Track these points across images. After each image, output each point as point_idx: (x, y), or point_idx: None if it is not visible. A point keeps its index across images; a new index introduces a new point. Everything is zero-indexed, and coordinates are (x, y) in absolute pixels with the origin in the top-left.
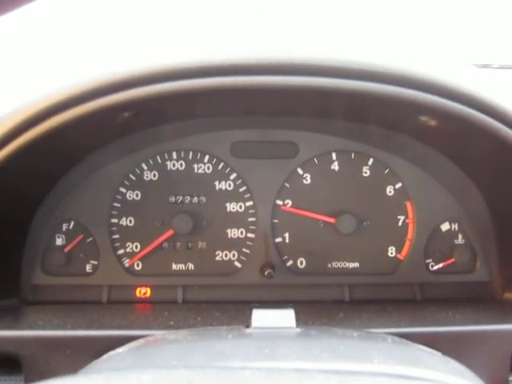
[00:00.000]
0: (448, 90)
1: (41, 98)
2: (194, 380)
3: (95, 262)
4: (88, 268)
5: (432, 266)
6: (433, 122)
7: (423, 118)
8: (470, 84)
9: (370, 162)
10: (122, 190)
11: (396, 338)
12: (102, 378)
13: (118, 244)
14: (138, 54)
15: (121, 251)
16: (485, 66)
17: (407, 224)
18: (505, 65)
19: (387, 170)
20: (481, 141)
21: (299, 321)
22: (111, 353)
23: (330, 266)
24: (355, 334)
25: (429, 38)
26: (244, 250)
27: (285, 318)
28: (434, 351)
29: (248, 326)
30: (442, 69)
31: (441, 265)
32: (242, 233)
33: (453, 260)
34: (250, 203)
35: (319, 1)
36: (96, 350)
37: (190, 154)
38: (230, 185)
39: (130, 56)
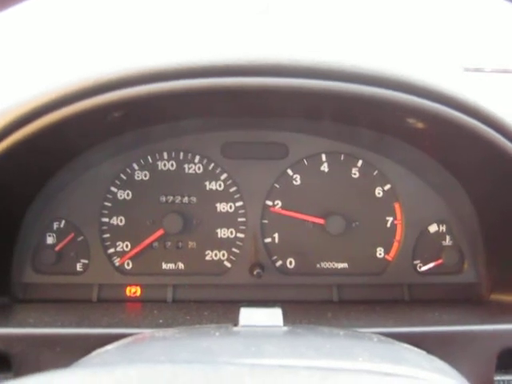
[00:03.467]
0: (431, 92)
1: (31, 97)
2: (178, 374)
3: (86, 261)
4: (78, 267)
5: (420, 267)
6: (420, 125)
7: (410, 121)
8: (454, 86)
9: (359, 163)
10: (113, 189)
11: (381, 337)
12: (89, 372)
13: (108, 243)
14: (128, 55)
15: (111, 250)
16: (477, 70)
17: (396, 225)
18: (497, 69)
19: (376, 172)
20: (467, 143)
21: (287, 320)
22: (99, 350)
23: (318, 266)
24: (341, 333)
25: (420, 41)
26: (234, 249)
27: (272, 316)
28: (418, 350)
29: (236, 324)
30: (427, 71)
31: (429, 266)
32: (231, 233)
33: (440, 261)
34: (239, 203)
35: (312, 2)
36: (86, 347)
37: (181, 154)
38: (220, 185)
39: (120, 56)
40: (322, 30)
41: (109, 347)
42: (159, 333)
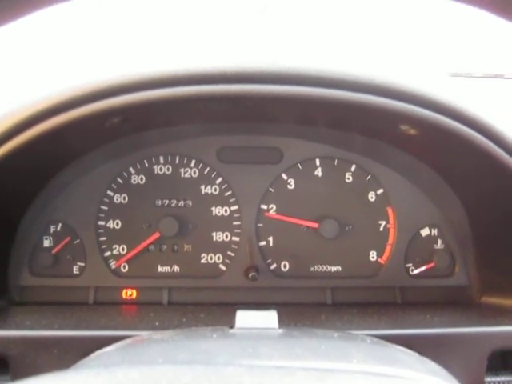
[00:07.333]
0: (424, 99)
1: (32, 102)
2: (179, 375)
3: (82, 264)
4: (75, 269)
5: (412, 270)
6: (412, 131)
7: (403, 127)
8: (447, 93)
9: (353, 168)
10: (110, 193)
11: (375, 339)
12: (90, 373)
13: (104, 246)
14: (128, 61)
15: (107, 253)
16: (468, 75)
17: (388, 229)
18: (487, 74)
19: (369, 177)
20: (459, 150)
21: (282, 322)
22: (98, 352)
23: (312, 269)
24: (335, 335)
25: (409, 47)
26: (229, 253)
27: (268, 319)
28: (411, 351)
29: (232, 326)
30: (419, 78)
31: (421, 269)
32: (226, 236)
33: (432, 264)
34: (235, 207)
35: (309, 3)
36: (83, 350)
37: (177, 158)
38: (215, 189)
39: (120, 63)
40: (317, 31)
41: (107, 349)
42: (157, 335)
